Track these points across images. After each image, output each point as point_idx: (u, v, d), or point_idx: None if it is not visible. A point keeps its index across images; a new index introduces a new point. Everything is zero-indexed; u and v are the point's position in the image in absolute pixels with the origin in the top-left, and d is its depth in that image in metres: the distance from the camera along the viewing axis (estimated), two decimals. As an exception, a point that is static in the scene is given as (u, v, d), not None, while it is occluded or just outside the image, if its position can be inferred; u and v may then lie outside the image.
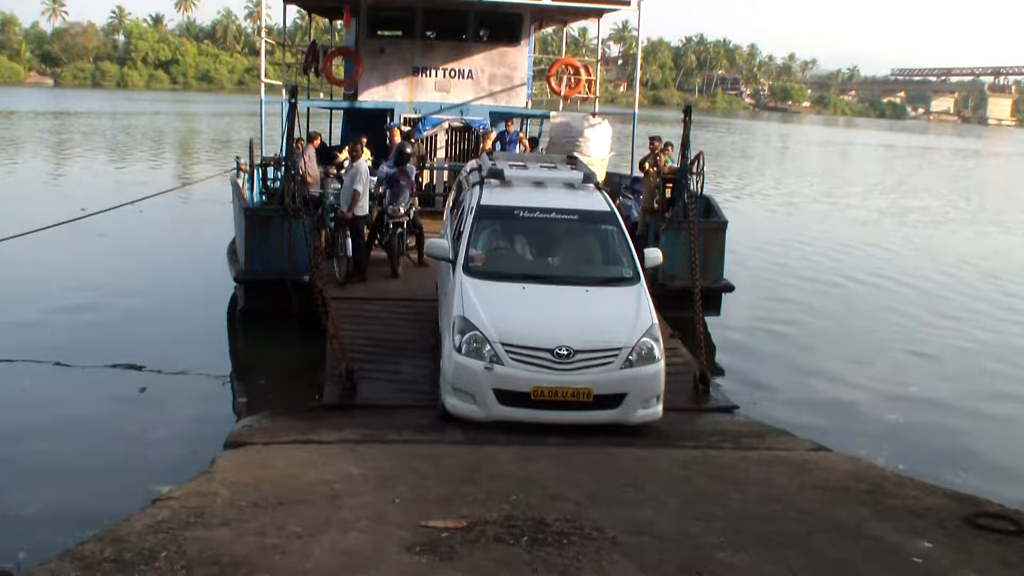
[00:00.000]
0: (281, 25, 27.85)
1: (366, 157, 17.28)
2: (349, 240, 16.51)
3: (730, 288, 17.01)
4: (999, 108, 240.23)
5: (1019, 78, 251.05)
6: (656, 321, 11.24)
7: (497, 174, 13.00)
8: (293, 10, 26.16)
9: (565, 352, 10.42)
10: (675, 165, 18.61)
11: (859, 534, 7.83)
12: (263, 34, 22.27)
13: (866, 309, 20.68)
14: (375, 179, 17.75)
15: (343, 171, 18.64)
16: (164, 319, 17.12)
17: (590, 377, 10.50)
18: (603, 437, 10.64)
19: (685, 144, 16.63)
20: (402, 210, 16.78)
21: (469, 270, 11.66)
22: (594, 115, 23.97)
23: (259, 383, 13.76)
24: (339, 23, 27.87)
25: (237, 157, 21.60)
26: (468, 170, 14.76)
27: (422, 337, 13.37)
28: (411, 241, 17.63)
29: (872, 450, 12.11)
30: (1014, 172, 78.73)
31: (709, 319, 15.29)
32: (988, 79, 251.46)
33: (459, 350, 10.66)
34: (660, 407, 11.01)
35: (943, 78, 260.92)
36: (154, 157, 48.68)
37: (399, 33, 24.23)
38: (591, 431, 10.76)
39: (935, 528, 8.00)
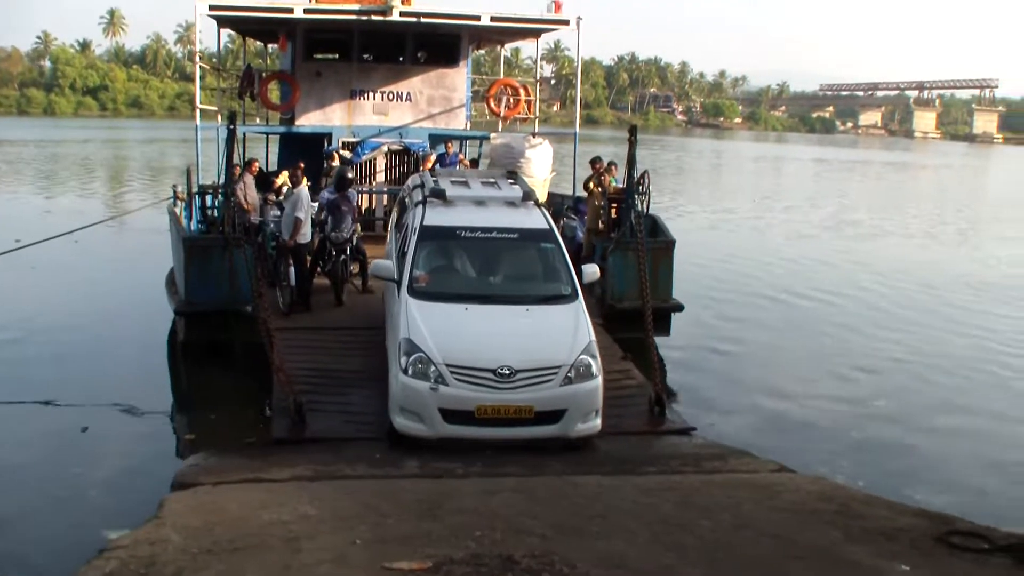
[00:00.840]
0: (214, 50, 27.39)
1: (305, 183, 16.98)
2: (292, 269, 16.15)
3: (679, 307, 16.80)
4: (924, 121, 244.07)
5: (943, 92, 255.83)
6: (593, 338, 11.53)
7: (439, 194, 13.22)
8: (226, 35, 25.69)
9: (507, 372, 10.74)
10: (619, 185, 18.45)
11: (835, 559, 7.68)
12: (196, 59, 21.85)
13: (812, 324, 20.76)
14: (316, 205, 17.40)
15: (282, 197, 18.30)
16: (103, 354, 16.71)
17: (531, 395, 10.82)
18: (563, 464, 10.49)
19: (631, 163, 16.45)
20: (344, 236, 16.46)
21: (414, 291, 11.94)
22: (534, 135, 23.79)
23: (204, 418, 13.39)
24: (274, 47, 27.49)
25: (174, 185, 21.15)
26: (411, 186, 14.94)
27: (370, 367, 13.04)
28: (355, 268, 17.27)
29: (831, 467, 12.09)
30: (942, 184, 79.76)
31: (659, 339, 15.07)
32: (913, 93, 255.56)
33: (405, 371, 10.93)
34: (599, 421, 11.32)
35: (870, 92, 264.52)
36: (85, 186, 47.70)
37: (336, 56, 23.92)
38: (546, 454, 10.84)
39: (909, 550, 7.87)
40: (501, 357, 10.81)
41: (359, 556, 7.43)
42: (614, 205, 17.92)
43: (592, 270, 12.98)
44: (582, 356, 11.14)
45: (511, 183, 14.43)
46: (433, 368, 10.80)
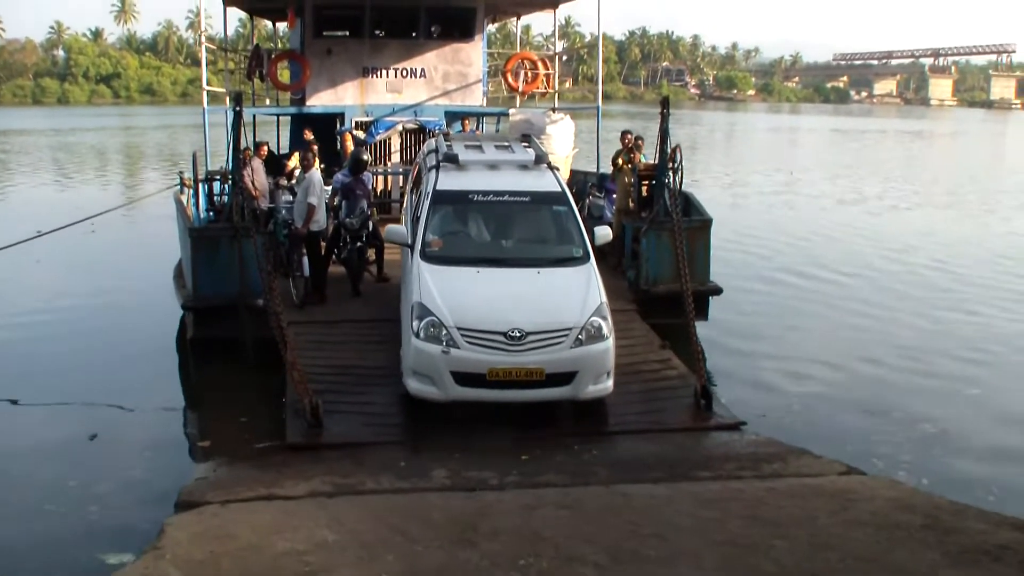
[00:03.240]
0: (222, 32, 26.46)
1: (317, 165, 16.05)
2: (305, 258, 15.21)
3: (718, 291, 15.73)
4: (940, 89, 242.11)
5: (958, 58, 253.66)
6: (605, 300, 11.51)
7: (452, 159, 13.30)
8: (235, 18, 24.84)
9: (517, 334, 10.76)
10: (649, 161, 17.40)
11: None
12: (202, 39, 20.92)
13: (855, 304, 19.55)
14: (329, 189, 16.46)
15: (293, 181, 17.38)
16: (111, 351, 15.86)
17: (542, 357, 10.83)
18: (608, 470, 9.60)
19: (664, 138, 15.43)
20: (360, 221, 15.51)
21: (426, 255, 12.05)
22: (554, 111, 22.86)
23: (216, 422, 12.41)
24: (283, 26, 26.60)
25: (180, 172, 20.28)
26: (426, 151, 15.07)
27: (392, 362, 12.13)
28: (371, 254, 16.32)
29: (892, 463, 11.18)
30: (964, 151, 78.27)
31: (697, 325, 14.09)
32: (928, 61, 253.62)
33: (417, 335, 11.02)
34: (611, 382, 11.35)
35: (884, 61, 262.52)
36: (100, 174, 46.97)
37: (346, 33, 23.04)
38: (589, 460, 10.08)
39: (1021, 573, 6.83)
40: (511, 320, 10.83)
41: (386, 595, 6.46)
42: (644, 183, 16.84)
43: (604, 232, 12.94)
44: (593, 318, 11.14)
45: (525, 147, 14.32)
46: (445, 332, 10.88)
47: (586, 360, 10.98)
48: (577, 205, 13.61)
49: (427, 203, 12.68)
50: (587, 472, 9.56)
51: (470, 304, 11.14)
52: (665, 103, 15.61)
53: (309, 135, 20.49)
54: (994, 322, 18.15)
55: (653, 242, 15.20)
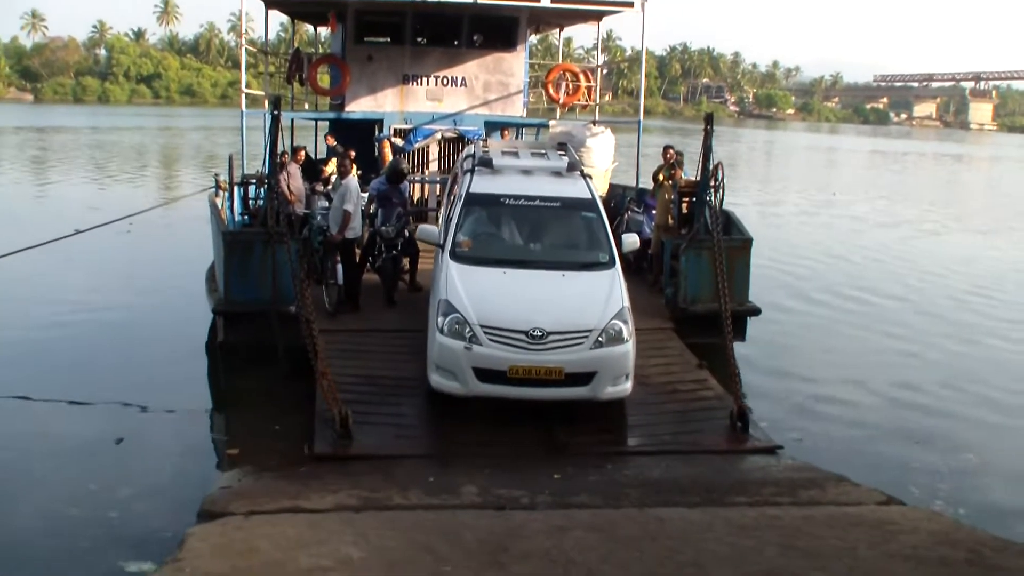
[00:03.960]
0: (263, 36, 26.44)
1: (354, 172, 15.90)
2: (339, 265, 15.07)
3: (757, 311, 15.47)
4: (981, 113, 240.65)
5: (999, 83, 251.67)
6: (627, 304, 11.74)
7: (487, 163, 13.70)
8: (276, 21, 24.83)
9: (539, 333, 11.01)
10: (690, 177, 17.12)
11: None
12: (243, 42, 20.86)
13: (896, 327, 19.23)
14: (366, 196, 16.30)
15: (330, 187, 17.25)
16: (140, 353, 15.76)
17: (561, 357, 11.06)
18: (640, 492, 9.36)
19: (707, 154, 15.17)
20: (393, 231, 15.35)
21: (455, 255, 12.38)
22: (595, 123, 22.65)
23: (244, 429, 12.27)
24: (324, 31, 26.55)
25: (216, 174, 20.21)
26: (463, 157, 15.38)
27: (423, 373, 11.95)
28: (405, 263, 16.13)
29: (930, 492, 10.88)
30: (1005, 177, 77.49)
31: (735, 345, 13.83)
32: (969, 84, 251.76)
33: (442, 331, 11.31)
34: (629, 384, 11.57)
35: (925, 84, 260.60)
36: (137, 174, 47.15)
37: (388, 39, 22.93)
38: (622, 482, 9.79)
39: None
40: (533, 319, 11.07)
41: (411, 619, 6.26)
42: (685, 200, 16.57)
43: (631, 239, 13.53)
44: (613, 321, 11.35)
45: (560, 154, 14.69)
46: (468, 328, 11.14)
47: (605, 361, 11.19)
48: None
49: (460, 204, 13.01)
50: (620, 493, 9.33)
51: (494, 303, 11.40)
52: (709, 120, 15.37)
53: (331, 141, 20.44)
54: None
55: (692, 260, 14.97)
